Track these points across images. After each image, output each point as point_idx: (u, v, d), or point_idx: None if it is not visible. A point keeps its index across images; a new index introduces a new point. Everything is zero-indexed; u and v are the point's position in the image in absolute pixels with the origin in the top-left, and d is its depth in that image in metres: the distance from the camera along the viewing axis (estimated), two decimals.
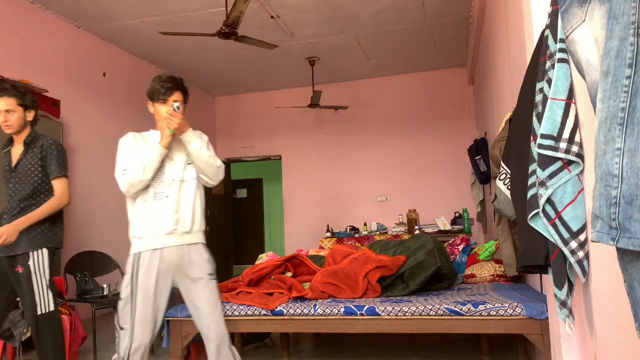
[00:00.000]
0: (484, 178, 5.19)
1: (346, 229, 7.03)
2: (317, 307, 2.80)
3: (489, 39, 4.63)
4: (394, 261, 3.06)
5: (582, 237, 1.53)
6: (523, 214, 1.75)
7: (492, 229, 4.62)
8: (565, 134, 1.52)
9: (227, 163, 8.72)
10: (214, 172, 2.40)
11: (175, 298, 2.61)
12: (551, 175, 1.54)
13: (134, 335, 2.27)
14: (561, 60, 1.53)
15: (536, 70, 1.73)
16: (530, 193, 1.66)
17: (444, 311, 2.60)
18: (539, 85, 1.67)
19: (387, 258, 3.08)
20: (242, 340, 3.58)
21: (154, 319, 2.30)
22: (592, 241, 0.81)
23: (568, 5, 1.13)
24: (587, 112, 1.50)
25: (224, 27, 4.35)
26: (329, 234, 6.91)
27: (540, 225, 1.62)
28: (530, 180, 1.67)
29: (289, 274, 3.39)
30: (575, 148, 1.52)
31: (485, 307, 2.56)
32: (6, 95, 2.71)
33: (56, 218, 2.81)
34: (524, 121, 1.82)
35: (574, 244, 1.53)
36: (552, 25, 1.59)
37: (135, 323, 2.27)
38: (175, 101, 2.34)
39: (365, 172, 7.99)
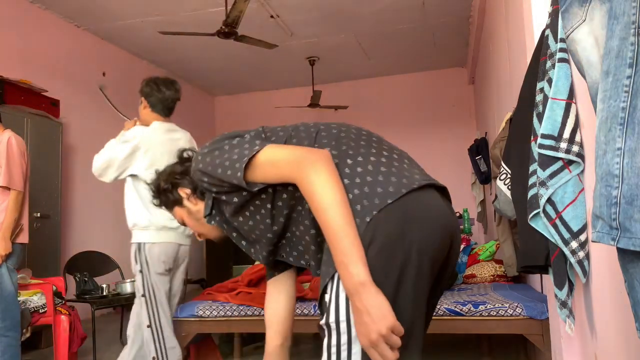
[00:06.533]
0: (484, 178, 5.18)
1: None
2: (317, 307, 2.80)
3: (489, 38, 4.62)
4: None
5: (582, 237, 1.52)
6: (523, 214, 1.75)
7: (493, 229, 4.62)
8: (566, 134, 1.52)
9: None
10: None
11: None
12: (552, 175, 1.54)
13: None
14: (562, 60, 1.53)
15: (536, 70, 1.72)
16: (530, 193, 1.65)
17: (444, 311, 2.60)
18: (539, 85, 1.66)
19: None
20: (242, 340, 3.57)
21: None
22: (593, 241, 0.81)
23: (568, 5, 1.12)
24: (587, 112, 1.50)
25: (224, 27, 4.35)
26: None
27: (541, 225, 1.61)
28: (531, 180, 1.66)
29: None
30: (575, 148, 1.52)
31: (486, 307, 2.56)
32: None
33: None
34: (525, 121, 1.81)
35: (574, 244, 1.52)
36: (552, 25, 1.58)
37: None
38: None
39: None
